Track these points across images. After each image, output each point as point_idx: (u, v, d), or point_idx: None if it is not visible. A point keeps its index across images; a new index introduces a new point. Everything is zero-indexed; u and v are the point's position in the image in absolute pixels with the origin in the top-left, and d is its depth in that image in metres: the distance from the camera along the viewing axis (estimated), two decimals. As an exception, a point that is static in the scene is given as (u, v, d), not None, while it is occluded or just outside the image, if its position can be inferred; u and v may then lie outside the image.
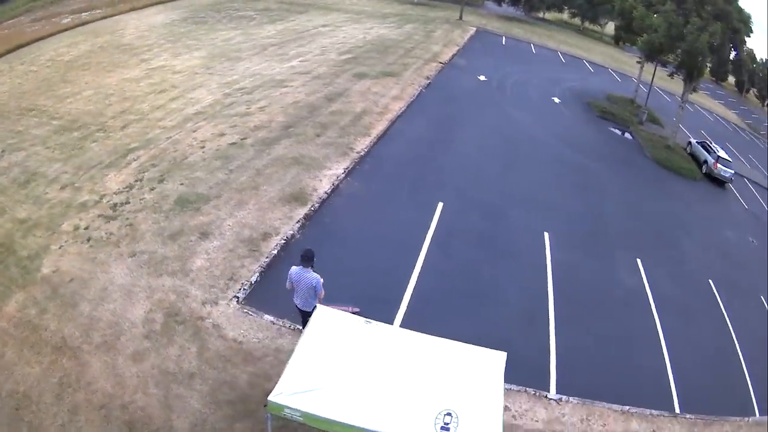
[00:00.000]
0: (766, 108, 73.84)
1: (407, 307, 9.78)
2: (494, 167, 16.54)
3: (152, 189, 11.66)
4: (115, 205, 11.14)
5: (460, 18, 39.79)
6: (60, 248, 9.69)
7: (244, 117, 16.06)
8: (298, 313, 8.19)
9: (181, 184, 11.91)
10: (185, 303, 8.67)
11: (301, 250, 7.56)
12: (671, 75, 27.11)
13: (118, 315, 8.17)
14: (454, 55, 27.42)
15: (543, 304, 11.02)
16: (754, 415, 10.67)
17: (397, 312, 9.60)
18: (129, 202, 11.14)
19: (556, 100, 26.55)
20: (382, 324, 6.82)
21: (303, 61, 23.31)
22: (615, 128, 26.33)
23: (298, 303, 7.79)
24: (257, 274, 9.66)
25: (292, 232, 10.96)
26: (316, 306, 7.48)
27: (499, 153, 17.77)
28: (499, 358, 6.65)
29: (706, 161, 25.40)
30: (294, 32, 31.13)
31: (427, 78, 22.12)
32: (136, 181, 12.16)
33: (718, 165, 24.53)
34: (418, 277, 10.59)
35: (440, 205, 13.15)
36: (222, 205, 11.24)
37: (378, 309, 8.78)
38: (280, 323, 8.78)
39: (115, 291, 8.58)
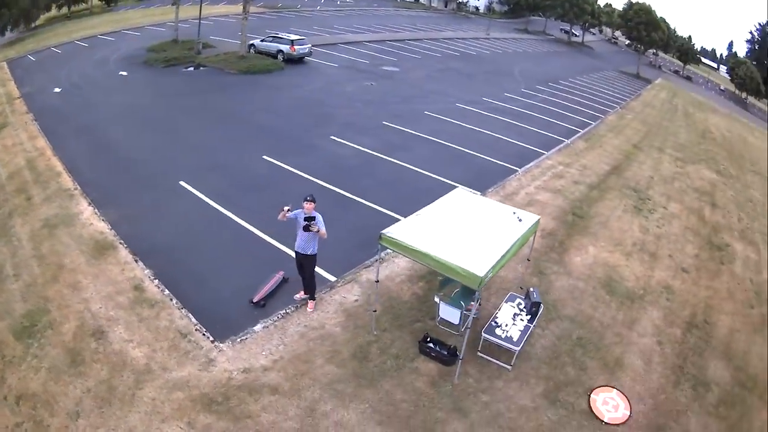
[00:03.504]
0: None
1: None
2: (188, 138, 16.34)
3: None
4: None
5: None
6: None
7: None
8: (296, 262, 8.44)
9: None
10: (194, 383, 6.81)
11: (306, 195, 7.91)
12: None
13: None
14: (19, 88, 23.26)
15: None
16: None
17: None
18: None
19: (123, 73, 25.68)
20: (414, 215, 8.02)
21: None
22: (187, 68, 26.34)
23: (296, 247, 8.20)
24: (189, 316, 8.10)
25: (147, 270, 9.13)
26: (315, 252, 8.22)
27: (169, 131, 17.12)
28: (461, 190, 9.29)
29: (280, 50, 27.48)
30: None
31: (29, 112, 19.00)
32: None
33: (296, 47, 27.15)
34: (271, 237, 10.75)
35: (183, 183, 12.84)
36: (67, 303, 8.10)
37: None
38: (269, 321, 8.17)
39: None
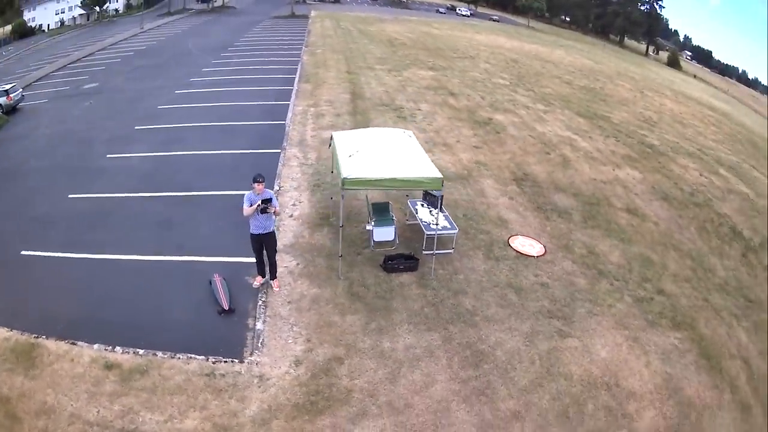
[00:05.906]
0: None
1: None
2: None
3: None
4: None
5: None
6: None
7: None
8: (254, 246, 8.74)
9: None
10: (276, 405, 6.94)
11: (254, 175, 8.30)
12: None
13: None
14: None
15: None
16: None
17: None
18: None
19: None
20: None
21: None
22: None
23: (255, 230, 8.51)
24: (192, 357, 7.79)
25: (96, 345, 8.07)
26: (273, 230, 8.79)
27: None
28: (339, 132, 11.00)
29: None
30: None
31: None
32: None
33: (11, 96, 25.24)
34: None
35: (25, 252, 10.81)
36: None
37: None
38: (260, 316, 8.51)
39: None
